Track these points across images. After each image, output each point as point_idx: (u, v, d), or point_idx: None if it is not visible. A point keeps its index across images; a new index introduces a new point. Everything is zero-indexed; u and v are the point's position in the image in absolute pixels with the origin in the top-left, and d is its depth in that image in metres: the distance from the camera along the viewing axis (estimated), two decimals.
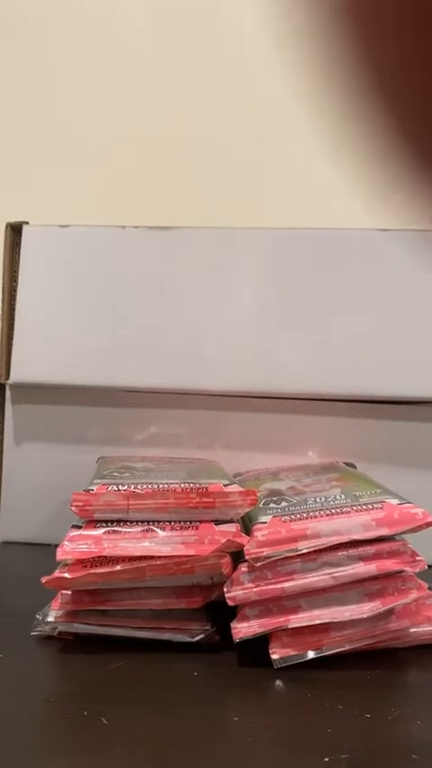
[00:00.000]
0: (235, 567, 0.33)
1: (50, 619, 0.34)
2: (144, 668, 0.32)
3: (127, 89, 0.74)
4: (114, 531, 0.34)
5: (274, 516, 0.34)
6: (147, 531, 0.34)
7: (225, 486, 0.36)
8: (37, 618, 0.35)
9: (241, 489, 0.35)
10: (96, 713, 0.28)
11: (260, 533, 0.33)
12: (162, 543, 0.33)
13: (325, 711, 0.28)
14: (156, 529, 0.34)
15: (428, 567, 0.33)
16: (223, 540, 0.33)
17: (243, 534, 0.34)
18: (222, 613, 0.34)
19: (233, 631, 0.32)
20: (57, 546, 0.33)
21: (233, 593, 0.32)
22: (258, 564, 0.32)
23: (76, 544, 0.33)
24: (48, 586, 0.33)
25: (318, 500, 0.36)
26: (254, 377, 0.49)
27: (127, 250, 0.51)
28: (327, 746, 0.26)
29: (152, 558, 0.33)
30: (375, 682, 0.31)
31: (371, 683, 0.31)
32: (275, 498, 0.38)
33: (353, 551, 0.32)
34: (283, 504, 0.36)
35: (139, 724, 0.27)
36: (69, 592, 0.34)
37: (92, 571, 0.32)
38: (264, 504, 0.37)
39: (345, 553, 0.32)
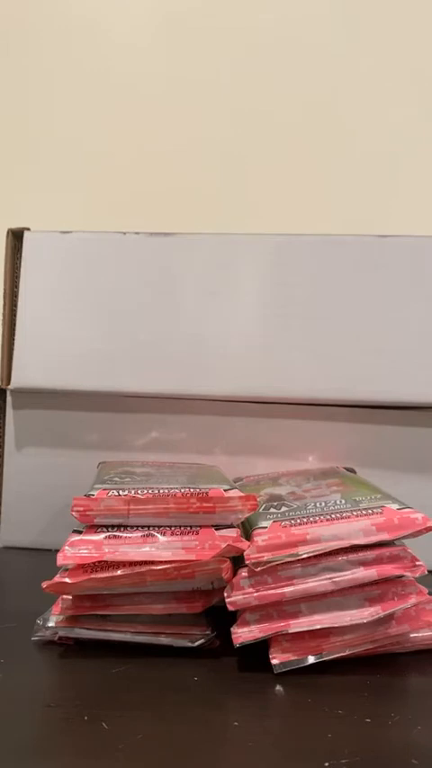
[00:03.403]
0: (235, 572, 0.33)
1: (51, 624, 0.34)
2: (144, 673, 0.32)
3: (128, 93, 0.75)
4: (115, 536, 0.34)
5: (274, 521, 0.34)
6: (147, 536, 0.34)
7: (225, 490, 0.36)
8: (37, 623, 0.35)
9: (241, 494, 0.35)
10: (97, 718, 0.28)
11: (260, 538, 0.33)
12: (163, 548, 0.33)
13: (325, 716, 0.28)
14: (156, 534, 0.34)
15: (428, 572, 0.33)
16: (223, 545, 0.33)
17: (243, 539, 0.34)
18: (223, 618, 0.34)
19: (233, 636, 0.32)
20: (57, 551, 0.33)
21: (233, 598, 0.32)
22: (258, 569, 0.32)
23: (77, 549, 0.33)
24: (48, 591, 0.33)
25: (318, 505, 0.36)
26: (254, 382, 0.49)
27: (128, 256, 0.51)
28: (327, 751, 0.26)
29: (153, 562, 0.33)
30: (375, 687, 0.31)
31: (371, 687, 0.31)
32: (276, 503, 0.38)
33: (353, 556, 0.32)
34: (284, 508, 0.36)
35: (139, 729, 0.27)
36: (70, 597, 0.34)
37: (92, 576, 0.32)
38: (264, 509, 0.37)
39: (345, 558, 0.32)
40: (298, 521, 0.34)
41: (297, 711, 0.29)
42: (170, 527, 0.35)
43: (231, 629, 0.33)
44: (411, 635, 0.33)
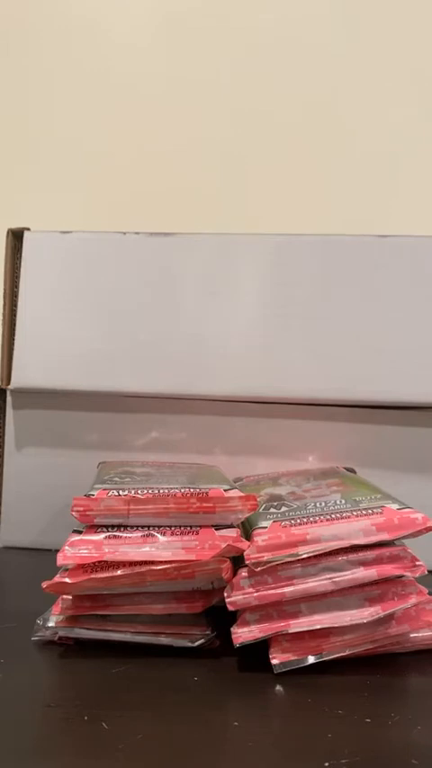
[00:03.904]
0: (235, 572, 0.33)
1: (51, 624, 0.34)
2: (144, 673, 0.32)
3: (128, 93, 0.75)
4: (115, 536, 0.34)
5: (274, 521, 0.34)
6: (147, 536, 0.34)
7: (225, 490, 0.36)
8: (37, 623, 0.35)
9: (241, 494, 0.35)
10: (97, 718, 0.28)
11: (260, 538, 0.33)
12: (163, 548, 0.33)
13: (325, 716, 0.28)
14: (156, 534, 0.34)
15: (428, 571, 0.33)
16: (223, 545, 0.33)
17: (243, 539, 0.34)
18: (223, 618, 0.34)
19: (233, 636, 0.32)
20: (57, 551, 0.33)
21: (233, 598, 0.32)
22: (258, 569, 0.32)
23: (77, 549, 0.33)
24: (48, 591, 0.33)
25: (318, 505, 0.36)
26: (254, 382, 0.49)
27: (128, 256, 0.51)
28: (327, 751, 0.26)
29: (153, 562, 0.33)
30: (375, 687, 0.31)
31: (371, 687, 0.31)
32: (276, 503, 0.38)
33: (353, 556, 0.32)
34: (284, 508, 0.36)
35: (139, 729, 0.27)
36: (70, 597, 0.34)
37: (92, 576, 0.32)
38: (264, 509, 0.37)
39: (345, 558, 0.32)
40: (298, 521, 0.34)
41: (297, 711, 0.29)
42: (170, 527, 0.34)
43: (231, 629, 0.33)
44: (411, 635, 0.33)
